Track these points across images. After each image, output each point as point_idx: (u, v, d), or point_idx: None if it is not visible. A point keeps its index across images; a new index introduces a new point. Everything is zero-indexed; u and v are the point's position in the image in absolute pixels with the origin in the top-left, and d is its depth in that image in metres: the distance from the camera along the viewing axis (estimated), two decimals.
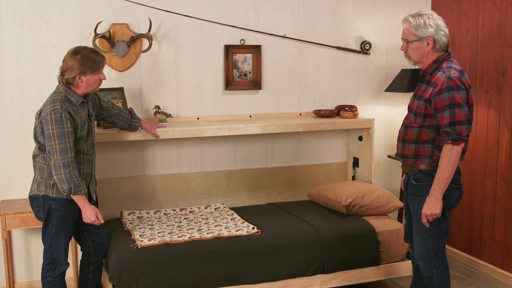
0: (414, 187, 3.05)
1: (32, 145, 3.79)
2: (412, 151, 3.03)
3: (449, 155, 2.82)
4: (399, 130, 3.14)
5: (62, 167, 2.98)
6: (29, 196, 3.21)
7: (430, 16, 2.92)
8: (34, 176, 3.19)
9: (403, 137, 3.08)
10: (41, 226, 3.56)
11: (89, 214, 3.10)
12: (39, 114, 3.09)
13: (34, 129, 3.15)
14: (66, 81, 3.08)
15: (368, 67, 4.63)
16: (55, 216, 3.12)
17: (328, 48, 4.48)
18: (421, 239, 3.05)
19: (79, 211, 3.21)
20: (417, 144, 3.01)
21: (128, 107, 3.95)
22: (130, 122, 3.61)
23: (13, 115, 3.82)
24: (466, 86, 2.88)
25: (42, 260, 3.94)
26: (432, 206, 2.87)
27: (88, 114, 3.20)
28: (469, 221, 4.43)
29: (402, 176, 3.35)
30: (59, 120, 2.98)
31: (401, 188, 3.33)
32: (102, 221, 3.17)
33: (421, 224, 3.00)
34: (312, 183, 4.50)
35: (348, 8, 4.51)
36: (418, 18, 2.92)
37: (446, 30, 2.94)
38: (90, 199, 3.28)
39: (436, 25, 2.90)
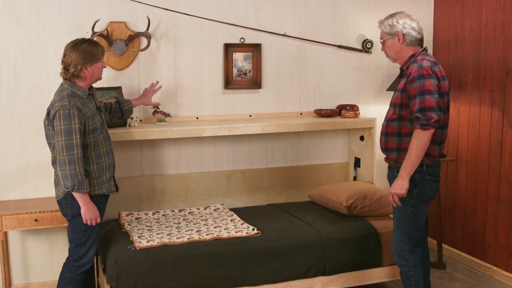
0: None
1: (29, 144, 3.80)
2: (394, 144, 3.15)
3: (418, 139, 2.94)
4: (382, 124, 3.28)
5: (67, 163, 2.97)
6: (57, 201, 3.19)
7: (399, 15, 3.16)
8: (58, 181, 3.13)
9: (386, 131, 3.20)
10: (33, 227, 3.55)
11: (91, 211, 3.08)
12: (48, 115, 3.08)
13: (45, 133, 3.14)
14: (72, 74, 3.08)
15: (370, 66, 4.59)
16: None
17: (329, 46, 4.44)
18: (398, 230, 3.20)
19: (103, 209, 3.24)
20: (399, 137, 3.13)
21: None
22: (121, 108, 3.61)
23: (9, 114, 3.77)
24: (437, 76, 3.03)
25: (39, 262, 3.92)
26: (397, 186, 3.02)
27: (96, 107, 3.21)
28: (472, 222, 4.39)
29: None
30: (67, 117, 2.98)
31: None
32: (95, 224, 3.14)
33: (400, 216, 3.15)
34: (313, 184, 4.47)
35: (349, 6, 4.47)
36: (388, 18, 3.18)
37: (414, 24, 3.14)
38: (117, 189, 3.33)
39: (403, 21, 3.13)
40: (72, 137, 2.98)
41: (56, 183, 3.17)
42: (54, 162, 3.16)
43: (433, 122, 2.92)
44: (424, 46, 3.18)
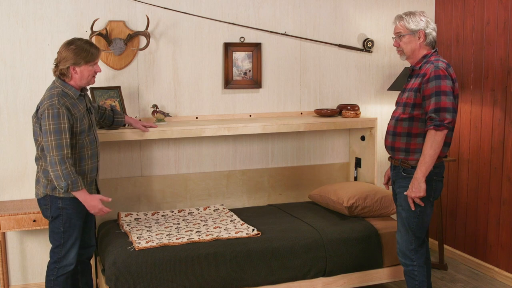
0: (404, 179, 3.15)
1: (27, 145, 3.77)
2: (403, 144, 3.13)
3: (431, 140, 2.95)
4: (389, 124, 3.25)
5: (58, 163, 2.93)
6: (37, 199, 3.16)
7: (420, 13, 3.16)
8: (39, 179, 3.11)
9: (394, 131, 3.18)
10: (32, 227, 3.52)
11: (95, 204, 3.06)
12: (37, 111, 3.04)
13: (33, 129, 3.09)
14: (60, 72, 3.03)
15: (371, 65, 4.56)
16: (62, 214, 3.07)
17: (330, 45, 4.41)
18: (404, 229, 3.18)
19: (86, 210, 3.16)
20: (409, 137, 3.11)
21: (125, 106, 3.90)
22: (113, 118, 3.57)
23: (7, 114, 3.75)
24: (452, 77, 3.04)
25: (37, 263, 3.90)
26: (415, 189, 3.02)
27: (86, 108, 3.15)
28: (474, 223, 4.36)
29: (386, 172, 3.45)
30: (56, 116, 2.93)
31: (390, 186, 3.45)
32: (108, 210, 3.12)
33: (406, 215, 3.14)
34: (314, 184, 4.44)
35: (350, 4, 4.44)
36: (410, 15, 3.15)
37: (435, 26, 3.16)
38: (98, 193, 3.26)
39: (426, 20, 3.13)
40: (61, 137, 2.93)
41: (37, 181, 3.12)
42: (37, 159, 3.11)
43: (447, 123, 2.93)
44: (435, 48, 3.17)
